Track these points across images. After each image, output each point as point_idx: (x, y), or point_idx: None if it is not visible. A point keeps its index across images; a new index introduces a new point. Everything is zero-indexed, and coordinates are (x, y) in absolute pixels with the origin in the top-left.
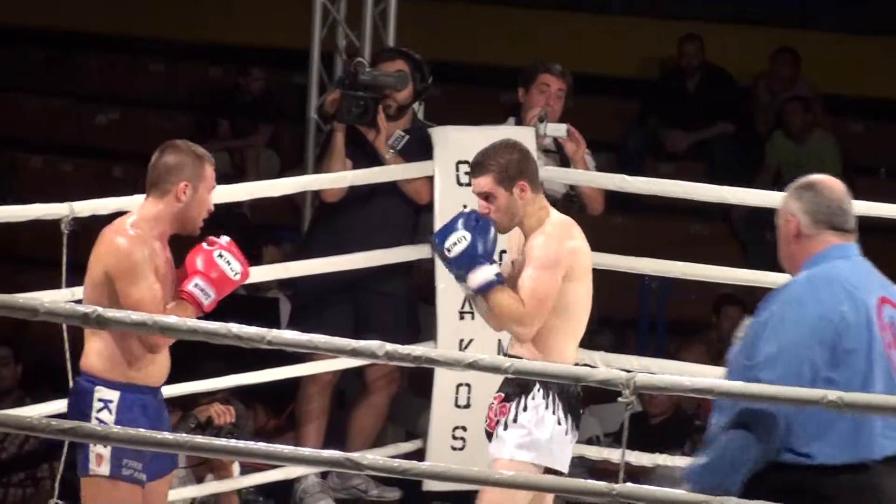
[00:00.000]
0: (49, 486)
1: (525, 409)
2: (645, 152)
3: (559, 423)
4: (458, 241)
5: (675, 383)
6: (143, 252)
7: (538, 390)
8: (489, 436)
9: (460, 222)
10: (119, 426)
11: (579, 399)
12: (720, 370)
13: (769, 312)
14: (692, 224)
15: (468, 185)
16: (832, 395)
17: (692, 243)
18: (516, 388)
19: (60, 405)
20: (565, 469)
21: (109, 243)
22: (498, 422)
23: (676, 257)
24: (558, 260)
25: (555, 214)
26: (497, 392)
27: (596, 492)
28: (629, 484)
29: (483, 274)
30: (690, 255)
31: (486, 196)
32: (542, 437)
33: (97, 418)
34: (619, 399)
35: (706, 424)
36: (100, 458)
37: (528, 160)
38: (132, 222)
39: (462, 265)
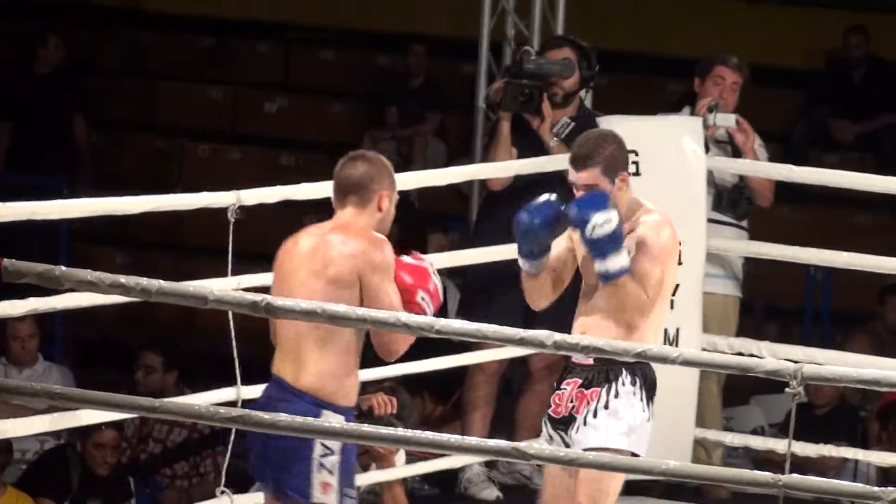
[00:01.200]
0: (213, 476)
1: (617, 395)
2: (811, 143)
3: (643, 410)
4: (607, 220)
5: (842, 374)
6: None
7: (626, 376)
8: (557, 421)
9: (607, 202)
10: (295, 426)
11: (655, 385)
12: (885, 361)
13: None
14: (858, 214)
15: (636, 174)
16: None
17: (857, 233)
18: (600, 374)
19: (225, 394)
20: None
21: (359, 243)
22: (579, 409)
23: (842, 247)
24: (673, 248)
25: (647, 202)
26: (568, 378)
27: (761, 482)
28: (795, 475)
29: (623, 259)
30: (855, 245)
31: (590, 188)
32: (634, 423)
33: (323, 444)
34: (787, 390)
35: (872, 415)
36: (326, 487)
37: (625, 150)
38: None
39: (607, 246)
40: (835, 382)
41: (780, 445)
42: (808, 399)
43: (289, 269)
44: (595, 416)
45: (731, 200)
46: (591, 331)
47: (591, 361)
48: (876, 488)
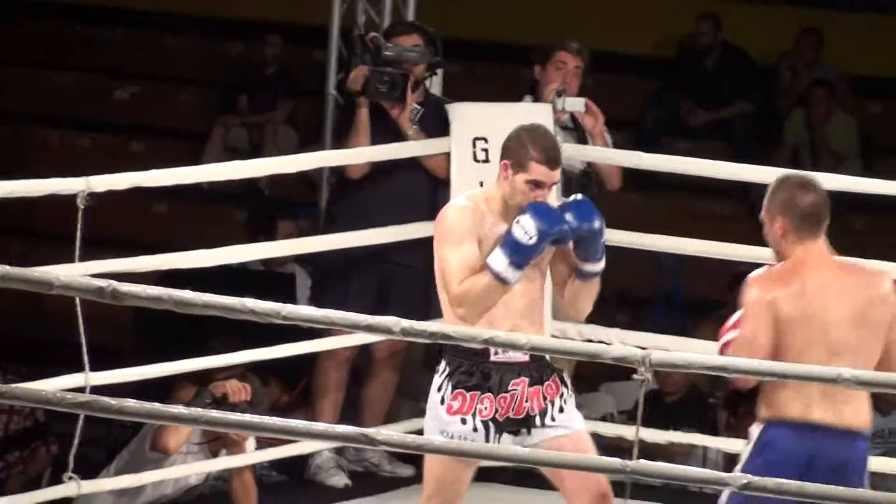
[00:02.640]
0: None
1: (567, 386)
2: (663, 130)
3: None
4: (602, 223)
5: (690, 361)
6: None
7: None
8: (509, 423)
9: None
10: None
11: None
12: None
13: None
14: (709, 202)
15: (485, 161)
16: (847, 373)
17: (709, 221)
18: (539, 370)
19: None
20: None
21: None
22: (536, 407)
23: (693, 235)
24: None
25: None
26: (513, 379)
27: (610, 468)
28: (643, 461)
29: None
30: (707, 233)
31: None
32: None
33: None
34: (634, 376)
35: (720, 402)
36: None
37: None
38: None
39: (600, 246)
40: (682, 369)
41: (628, 432)
42: (659, 386)
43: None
44: (561, 410)
45: (580, 186)
46: (525, 331)
47: (527, 358)
48: (724, 474)
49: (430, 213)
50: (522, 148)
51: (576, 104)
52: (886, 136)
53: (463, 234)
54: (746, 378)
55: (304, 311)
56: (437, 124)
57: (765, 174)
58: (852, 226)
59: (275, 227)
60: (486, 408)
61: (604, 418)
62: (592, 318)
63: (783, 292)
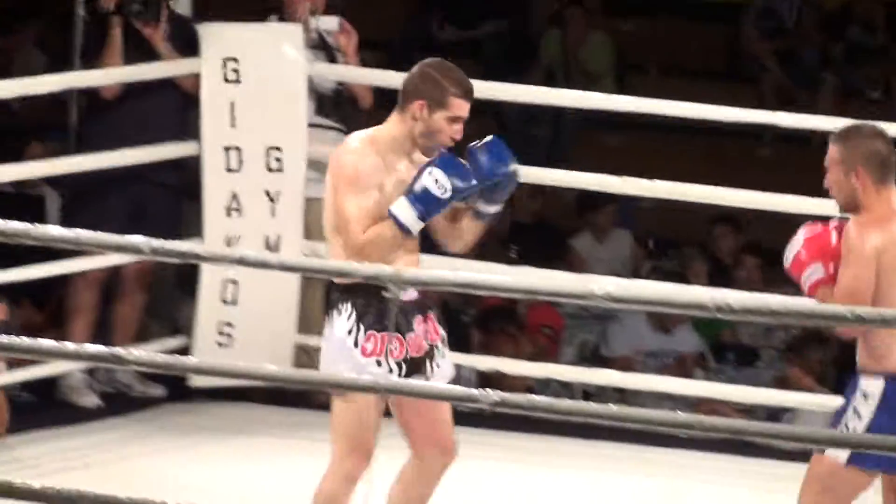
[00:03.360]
0: None
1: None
2: (416, 50)
3: None
4: (516, 166)
5: (440, 278)
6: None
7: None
8: (421, 361)
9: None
10: None
11: None
12: (487, 265)
13: None
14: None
15: (236, 81)
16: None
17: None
18: (428, 305)
19: None
20: None
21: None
22: (433, 338)
23: None
24: None
25: None
26: (414, 318)
27: (359, 386)
28: (395, 378)
29: None
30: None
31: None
32: None
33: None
34: (385, 294)
35: (472, 320)
36: None
37: None
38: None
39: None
40: (433, 286)
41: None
42: None
43: None
44: (443, 356)
45: (333, 104)
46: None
47: (416, 295)
48: (475, 390)
49: (182, 132)
50: (438, 86)
51: (330, 23)
52: (639, 55)
53: (363, 181)
54: (853, 328)
55: (53, 231)
56: (184, 44)
57: (519, 93)
58: (606, 143)
59: (24, 149)
60: (396, 348)
61: None
62: None
63: (885, 241)
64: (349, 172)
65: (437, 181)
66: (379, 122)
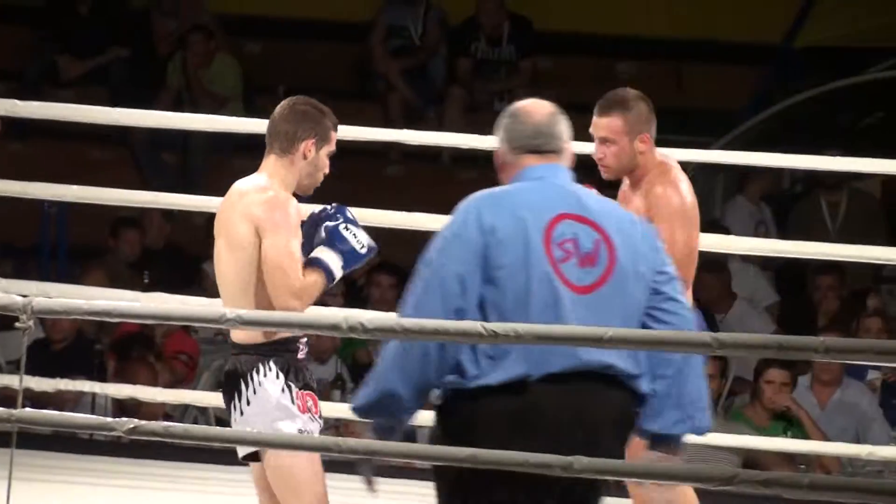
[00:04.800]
0: None
1: None
2: (43, 81)
3: None
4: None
5: (73, 307)
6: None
7: None
8: None
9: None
10: None
11: None
12: (120, 293)
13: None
14: (91, 149)
15: None
16: (407, 323)
17: (91, 169)
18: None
19: None
20: None
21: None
22: None
23: (77, 182)
24: None
25: None
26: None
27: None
28: (29, 409)
29: None
30: (90, 180)
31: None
32: None
33: None
34: (17, 325)
35: (107, 348)
36: None
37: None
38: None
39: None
40: (66, 315)
41: (14, 381)
42: (46, 334)
43: None
44: None
45: None
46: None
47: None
48: (110, 419)
49: None
50: (320, 122)
51: None
52: (266, 76)
53: (294, 225)
54: None
55: None
56: None
57: (145, 118)
58: (235, 166)
59: None
60: (313, 404)
61: None
62: None
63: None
64: (286, 216)
65: (356, 237)
66: (6, 153)
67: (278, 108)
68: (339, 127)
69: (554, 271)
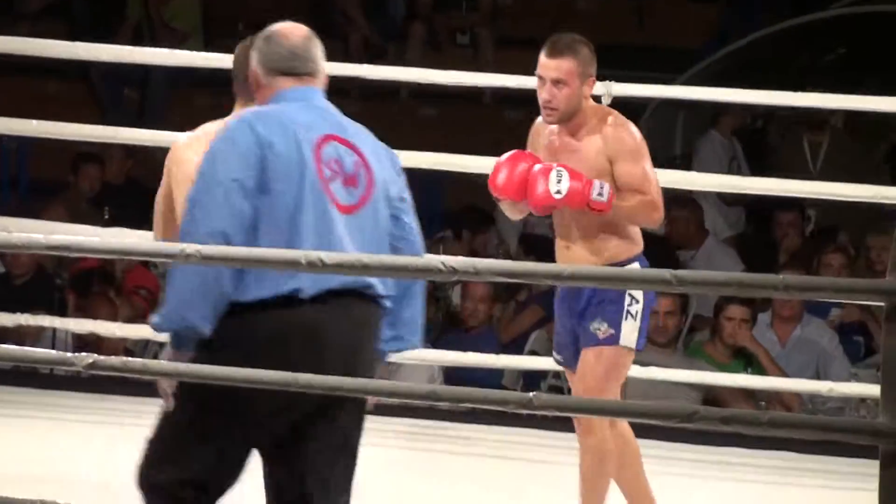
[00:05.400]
0: None
1: None
2: (7, 14)
3: None
4: None
5: (32, 241)
6: None
7: None
8: None
9: None
10: None
11: None
12: (80, 227)
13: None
14: (50, 84)
15: None
16: (190, 248)
17: (50, 103)
18: None
19: None
20: None
21: None
22: None
23: (34, 117)
24: None
25: None
26: None
27: None
28: None
29: None
30: (49, 114)
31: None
32: None
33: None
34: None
35: (68, 283)
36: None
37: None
38: None
39: None
40: (25, 250)
41: None
42: (6, 269)
43: None
44: None
45: None
46: None
47: None
48: (70, 354)
49: None
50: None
51: None
52: (225, 12)
53: None
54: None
55: None
56: None
57: (105, 52)
58: (194, 101)
59: None
60: None
61: None
62: None
63: None
64: None
65: None
66: None
67: (240, 48)
68: None
69: (324, 189)
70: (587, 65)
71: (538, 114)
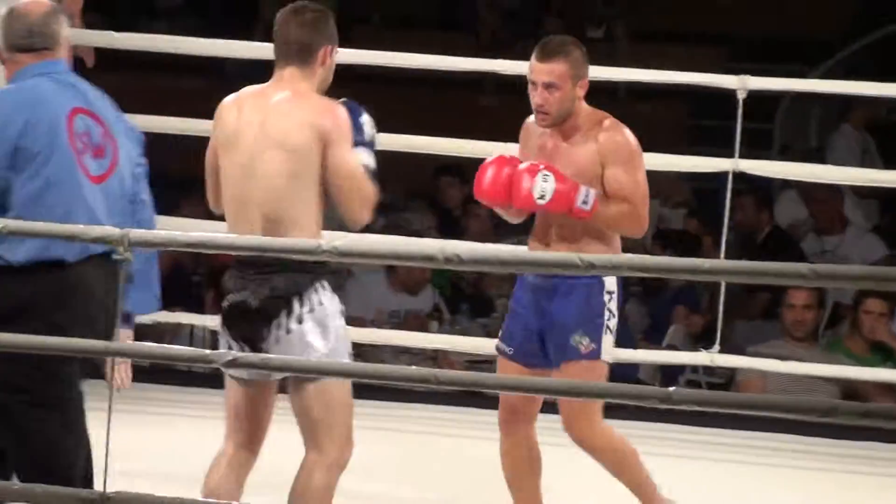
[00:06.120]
0: None
1: None
2: (138, 12)
3: None
4: None
5: (169, 238)
6: None
7: None
8: None
9: None
10: None
11: None
12: (217, 224)
13: None
14: (185, 79)
15: None
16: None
17: (186, 98)
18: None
19: None
20: None
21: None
22: None
23: (171, 113)
24: None
25: None
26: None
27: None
28: (127, 342)
29: None
30: (185, 110)
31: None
32: None
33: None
34: (114, 256)
35: (204, 279)
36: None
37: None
38: None
39: None
40: (163, 246)
41: None
42: None
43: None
44: None
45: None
46: None
47: None
48: (208, 351)
49: None
50: (331, 24)
51: None
52: (362, 6)
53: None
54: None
55: None
56: None
57: (241, 49)
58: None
59: None
60: None
61: None
62: None
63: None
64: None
65: (372, 126)
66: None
67: (283, 18)
68: (429, 57)
69: (78, 162)
70: (579, 67)
71: (666, 107)
